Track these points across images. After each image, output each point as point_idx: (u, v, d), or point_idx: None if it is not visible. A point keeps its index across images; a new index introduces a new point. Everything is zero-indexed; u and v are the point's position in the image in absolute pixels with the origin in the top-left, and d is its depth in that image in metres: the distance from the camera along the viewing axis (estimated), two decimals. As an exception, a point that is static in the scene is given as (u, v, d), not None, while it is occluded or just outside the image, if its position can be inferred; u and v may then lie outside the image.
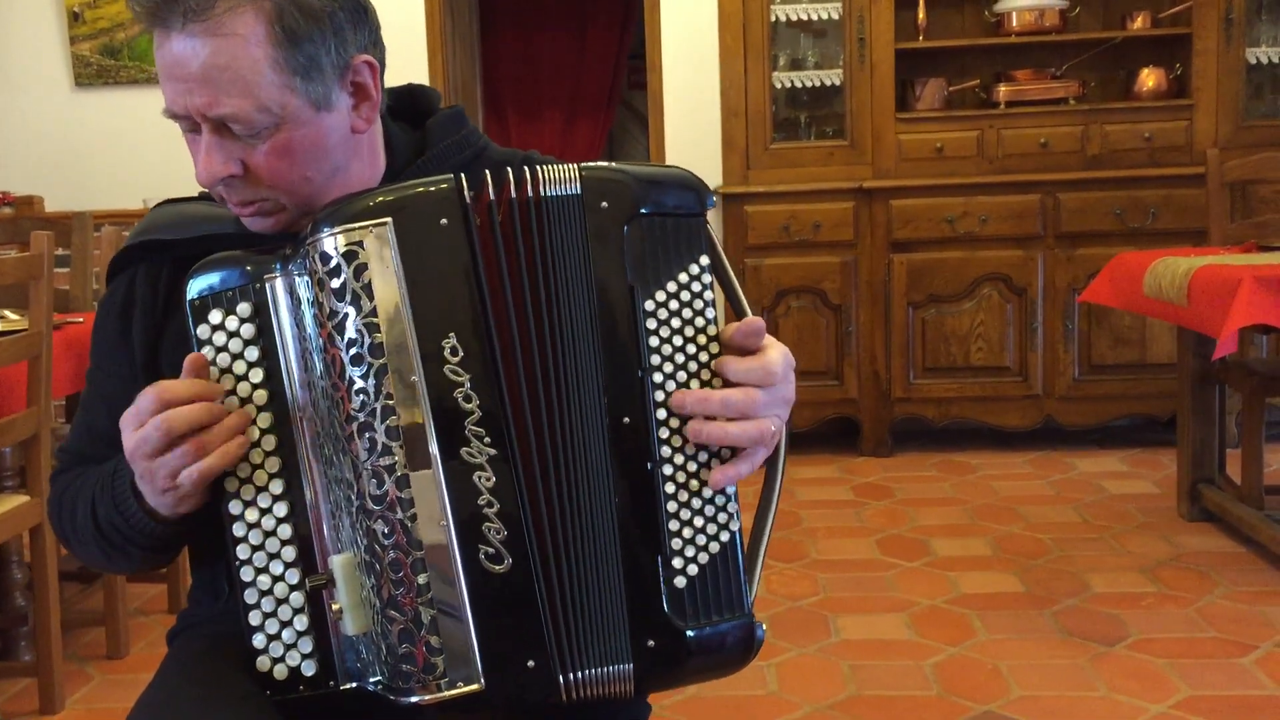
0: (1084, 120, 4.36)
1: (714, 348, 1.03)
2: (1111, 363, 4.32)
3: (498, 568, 0.98)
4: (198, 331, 1.05)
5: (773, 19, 4.46)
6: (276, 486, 1.05)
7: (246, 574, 1.05)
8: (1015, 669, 2.54)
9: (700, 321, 1.03)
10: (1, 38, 5.02)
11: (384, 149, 1.19)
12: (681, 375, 1.02)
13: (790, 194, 4.37)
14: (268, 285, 1.04)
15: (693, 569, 1.02)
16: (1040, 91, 4.44)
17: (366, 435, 0.98)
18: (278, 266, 1.05)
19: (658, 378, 1.02)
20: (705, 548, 1.03)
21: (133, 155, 4.98)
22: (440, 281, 0.98)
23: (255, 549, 1.05)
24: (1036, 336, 4.33)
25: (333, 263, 0.98)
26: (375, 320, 0.97)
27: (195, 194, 1.26)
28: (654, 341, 1.01)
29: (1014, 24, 4.45)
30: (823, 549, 3.40)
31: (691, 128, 4.72)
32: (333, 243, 0.98)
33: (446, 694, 0.99)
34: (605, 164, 1.04)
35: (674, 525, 1.02)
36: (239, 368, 1.05)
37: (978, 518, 3.64)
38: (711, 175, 4.61)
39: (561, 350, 1.01)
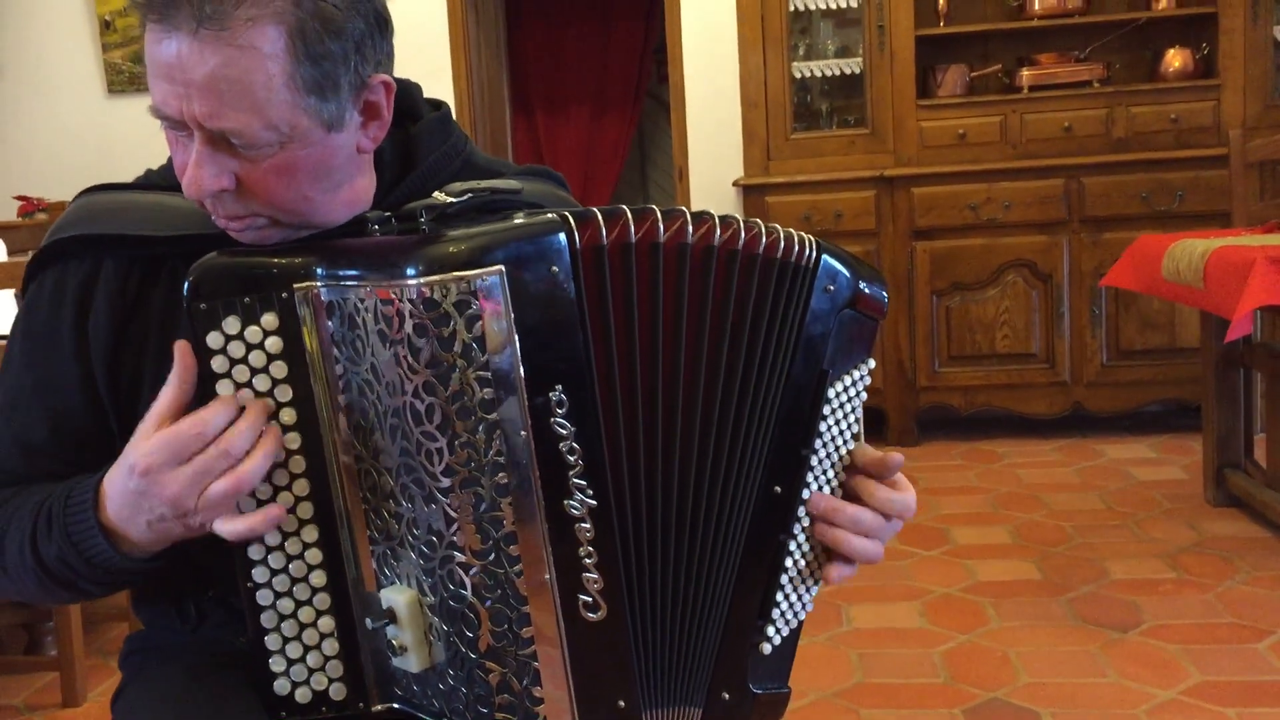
0: (1109, 103, 4.31)
1: (852, 448, 1.08)
2: (1140, 348, 4.27)
3: (594, 616, 0.97)
4: (208, 340, 0.95)
5: (791, 8, 4.44)
6: (305, 510, 0.99)
7: (264, 597, 1.00)
8: (1025, 656, 2.53)
9: (853, 419, 1.07)
10: (35, 46, 5.12)
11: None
12: (826, 464, 1.06)
13: (811, 184, 4.36)
14: (298, 296, 0.97)
15: (777, 639, 1.08)
16: (1064, 75, 4.39)
17: (471, 490, 0.94)
18: (320, 273, 0.97)
19: (814, 460, 1.05)
20: (789, 622, 1.08)
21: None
22: (549, 331, 0.93)
23: (275, 572, 1.00)
24: (1063, 323, 4.28)
25: (440, 310, 0.91)
26: (487, 375, 0.91)
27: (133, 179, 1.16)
28: (822, 427, 1.05)
29: (1036, 7, 4.40)
30: (841, 539, 3.38)
31: (713, 119, 4.72)
32: (441, 290, 0.90)
33: None
34: (833, 245, 1.05)
35: (779, 596, 1.07)
36: (261, 383, 0.97)
37: (1000, 506, 3.61)
38: (733, 167, 4.61)
39: (737, 409, 1.01)
